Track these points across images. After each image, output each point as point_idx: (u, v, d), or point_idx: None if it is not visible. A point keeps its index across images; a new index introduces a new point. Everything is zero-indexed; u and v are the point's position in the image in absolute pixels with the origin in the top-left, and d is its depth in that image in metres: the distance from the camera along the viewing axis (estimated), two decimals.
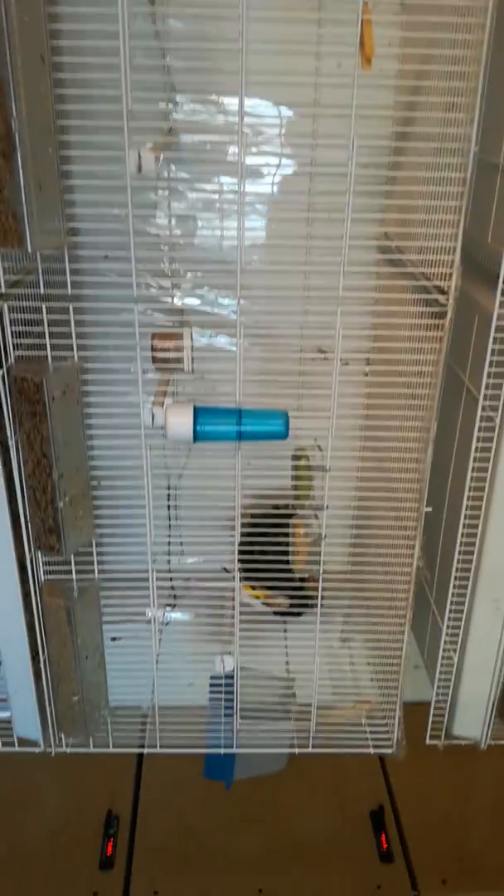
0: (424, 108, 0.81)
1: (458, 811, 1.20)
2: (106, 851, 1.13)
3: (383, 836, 1.15)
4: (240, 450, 0.82)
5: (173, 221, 1.01)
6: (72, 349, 0.78)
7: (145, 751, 0.97)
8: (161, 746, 0.98)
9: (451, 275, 0.73)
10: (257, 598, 1.11)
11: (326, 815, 1.19)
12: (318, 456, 0.85)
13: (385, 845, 1.14)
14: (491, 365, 0.78)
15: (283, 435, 0.77)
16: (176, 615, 1.23)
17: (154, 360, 0.78)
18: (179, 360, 0.77)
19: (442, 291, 0.75)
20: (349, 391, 0.82)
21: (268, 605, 1.13)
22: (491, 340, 0.77)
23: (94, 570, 0.89)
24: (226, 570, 0.97)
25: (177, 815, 1.19)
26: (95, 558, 0.88)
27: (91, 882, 1.08)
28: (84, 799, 1.21)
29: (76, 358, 0.77)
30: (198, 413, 0.76)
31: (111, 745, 0.98)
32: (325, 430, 0.81)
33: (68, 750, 0.97)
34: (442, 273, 0.75)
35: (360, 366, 0.99)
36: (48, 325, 0.77)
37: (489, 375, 0.78)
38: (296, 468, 0.86)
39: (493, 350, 0.78)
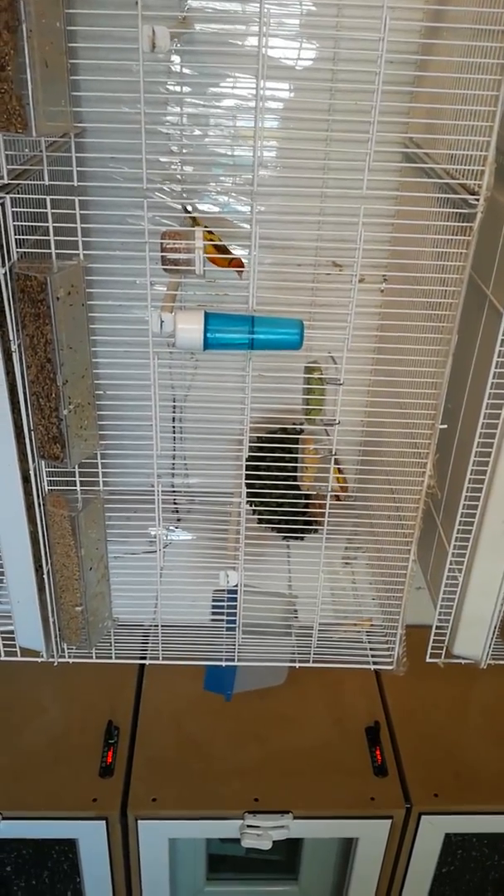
0: None
1: (453, 728, 1.23)
2: (106, 760, 1.15)
3: (378, 750, 1.18)
4: (251, 360, 0.79)
5: (185, 119, 0.96)
6: (77, 248, 0.74)
7: (147, 662, 0.97)
8: (163, 658, 0.98)
9: (482, 172, 0.69)
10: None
11: (323, 729, 1.21)
12: (332, 369, 0.82)
13: (379, 759, 1.17)
14: None
15: (298, 344, 0.74)
16: (179, 535, 1.23)
17: (164, 261, 0.74)
18: (190, 262, 0.73)
19: (471, 192, 0.71)
20: (366, 301, 0.79)
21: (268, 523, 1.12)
22: None
23: (98, 483, 0.87)
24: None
25: (176, 726, 1.21)
26: (101, 470, 0.86)
27: (91, 789, 1.11)
28: (85, 709, 1.23)
29: (82, 256, 0.73)
30: (209, 319, 0.72)
31: (113, 656, 0.98)
32: (339, 342, 0.78)
33: (71, 660, 0.98)
34: (472, 171, 0.71)
35: (378, 280, 0.95)
36: (53, 222, 0.72)
37: None
38: (308, 381, 0.84)
39: None
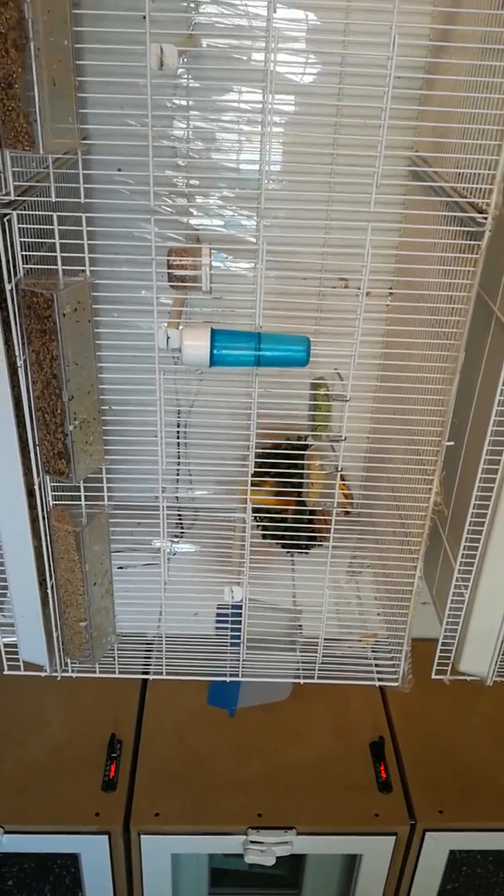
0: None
1: (457, 744, 1.22)
2: (109, 774, 1.15)
3: (382, 766, 1.17)
4: (257, 376, 0.78)
5: (191, 133, 0.96)
6: (83, 264, 0.74)
7: (150, 677, 0.97)
8: (167, 673, 0.97)
9: (490, 191, 0.69)
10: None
11: (327, 745, 1.21)
12: (338, 385, 0.81)
13: (384, 775, 1.16)
14: None
15: (305, 361, 0.74)
16: (183, 547, 1.22)
17: (170, 277, 0.74)
18: (196, 279, 0.73)
19: (480, 210, 0.71)
20: (372, 318, 0.78)
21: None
22: None
23: (103, 498, 0.87)
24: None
25: (179, 740, 1.20)
26: (105, 485, 0.85)
27: (94, 803, 1.10)
28: (88, 723, 1.22)
29: (88, 272, 0.73)
30: (215, 336, 0.72)
31: (117, 671, 0.98)
32: (345, 359, 0.78)
33: (74, 675, 0.97)
34: (480, 190, 0.71)
35: (384, 296, 0.95)
36: (59, 238, 0.72)
37: None
38: (314, 397, 0.83)
39: None
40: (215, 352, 0.72)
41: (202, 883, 1.29)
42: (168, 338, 0.73)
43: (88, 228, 0.72)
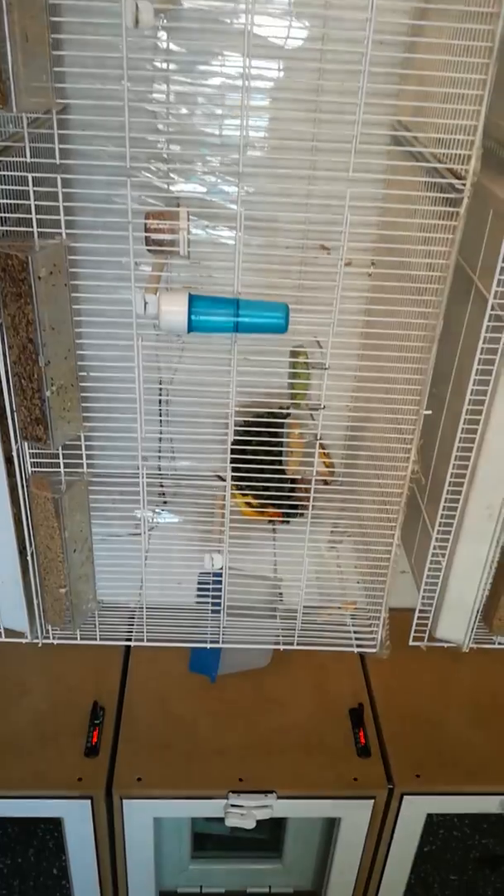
0: None
1: (435, 710, 1.24)
2: (91, 740, 1.16)
3: (361, 732, 1.19)
4: (236, 343, 0.78)
5: (172, 97, 0.94)
6: (60, 227, 0.73)
7: (132, 643, 0.98)
8: (148, 640, 0.98)
9: (469, 157, 0.68)
10: (245, 511, 1.10)
11: (307, 711, 1.22)
12: (317, 353, 0.81)
13: (363, 741, 1.18)
14: None
15: (283, 328, 0.73)
16: (165, 518, 1.23)
17: (147, 241, 0.74)
18: (174, 243, 0.72)
19: (458, 177, 0.71)
20: (353, 286, 0.78)
21: (258, 514, 1.13)
22: None
23: (82, 465, 0.87)
24: (220, 478, 0.95)
25: (162, 707, 1.21)
26: (84, 452, 0.85)
27: (76, 768, 1.11)
28: (71, 691, 1.23)
29: (64, 236, 0.72)
30: (193, 301, 0.72)
31: (98, 638, 0.98)
32: (325, 326, 0.78)
33: (55, 641, 0.98)
34: (460, 156, 0.70)
35: (365, 264, 0.95)
36: (36, 200, 0.72)
37: (502, 271, 0.74)
38: (293, 365, 0.83)
39: None
40: (193, 318, 0.72)
41: (185, 847, 1.32)
42: (146, 303, 0.72)
43: (66, 190, 0.71)
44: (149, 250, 0.74)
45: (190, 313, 0.71)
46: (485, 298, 0.79)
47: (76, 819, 1.13)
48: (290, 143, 0.86)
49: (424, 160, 0.79)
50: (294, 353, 0.83)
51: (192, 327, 0.72)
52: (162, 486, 1.37)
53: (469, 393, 0.82)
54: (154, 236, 0.73)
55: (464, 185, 0.70)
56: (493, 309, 0.77)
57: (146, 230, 0.73)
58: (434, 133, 0.76)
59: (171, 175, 0.91)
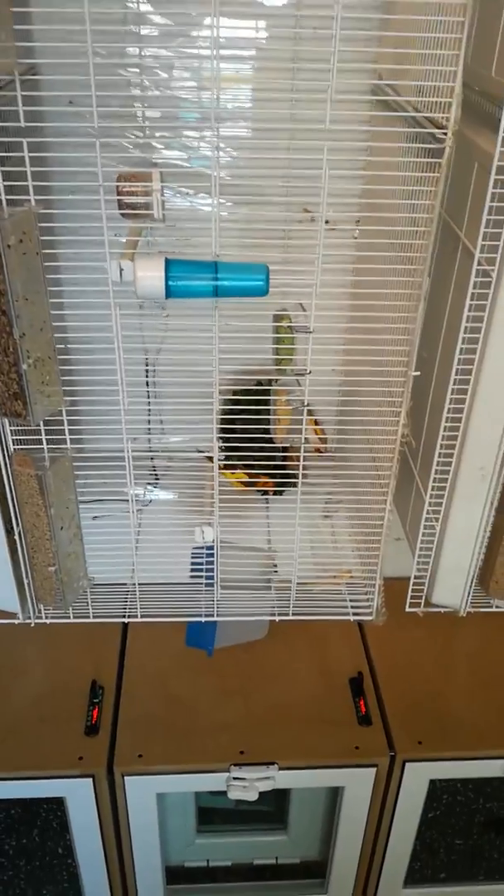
0: None
1: (435, 676, 1.23)
2: (91, 719, 1.16)
3: (362, 701, 1.19)
4: (217, 309, 0.76)
5: (145, 60, 0.91)
6: (29, 194, 0.70)
7: (126, 620, 0.97)
8: (142, 616, 0.97)
9: (450, 105, 0.66)
10: (236, 484, 1.09)
11: (307, 682, 1.22)
12: (302, 317, 0.79)
13: (363, 709, 1.18)
14: (490, 212, 0.72)
15: (264, 290, 0.71)
16: (157, 495, 1.21)
17: (120, 205, 0.71)
18: (148, 206, 0.70)
19: (439, 126, 0.68)
20: (336, 246, 0.76)
21: (249, 486, 1.11)
22: (491, 183, 0.70)
23: (66, 441, 0.85)
24: (209, 459, 0.93)
25: (161, 684, 1.21)
26: (66, 427, 0.84)
27: (77, 747, 1.11)
28: (69, 671, 1.23)
29: (33, 202, 0.69)
30: (170, 266, 0.69)
31: (92, 616, 0.97)
32: (308, 289, 0.76)
33: (48, 621, 0.97)
34: (441, 105, 0.67)
35: (350, 224, 0.92)
36: (4, 166, 0.69)
37: (487, 224, 0.72)
38: (277, 330, 0.81)
39: (492, 195, 0.71)
40: (171, 283, 0.69)
41: (190, 822, 1.32)
42: (121, 270, 0.70)
43: (35, 154, 0.69)
44: (122, 214, 0.72)
45: (167, 278, 0.69)
46: (471, 254, 0.76)
47: (78, 798, 1.13)
48: (267, 93, 0.83)
49: (405, 111, 0.76)
50: (277, 318, 0.81)
51: (169, 293, 0.70)
52: (153, 461, 1.35)
53: (458, 352, 0.80)
54: (127, 199, 0.70)
55: (445, 134, 0.67)
56: (479, 264, 0.75)
57: (118, 193, 0.70)
58: (414, 80, 0.74)
59: (148, 141, 0.88)
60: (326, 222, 0.74)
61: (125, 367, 0.83)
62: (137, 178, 0.70)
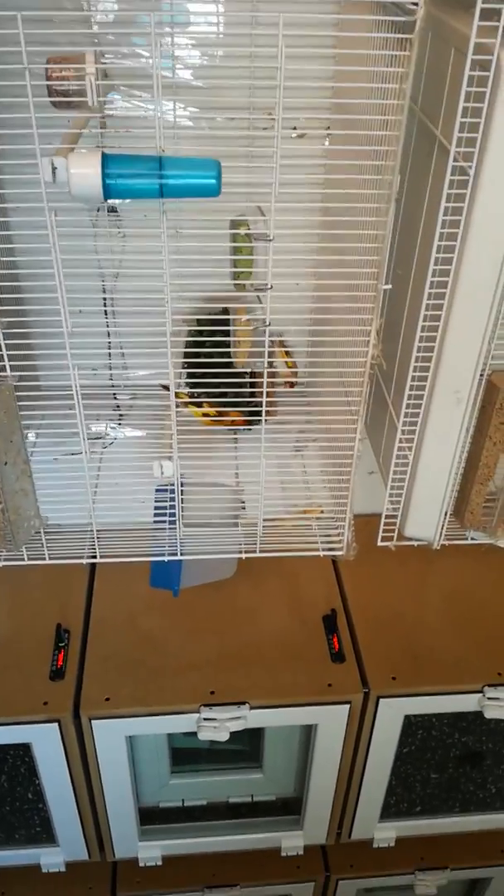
0: None
1: (409, 612, 1.20)
2: (56, 663, 1.12)
3: (335, 637, 1.16)
4: (165, 213, 0.68)
5: None
6: None
7: (84, 561, 0.91)
8: (101, 556, 0.92)
9: None
10: (204, 421, 1.03)
11: (279, 621, 1.18)
12: (262, 223, 0.72)
13: (336, 646, 1.15)
14: (468, 98, 0.64)
15: (215, 189, 0.64)
16: (119, 433, 1.16)
17: (51, 92, 0.63)
18: (82, 93, 0.61)
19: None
20: (306, 155, 0.68)
21: (217, 422, 1.05)
22: (468, 65, 0.63)
23: (6, 369, 0.78)
24: (164, 387, 0.87)
25: (130, 626, 1.17)
26: (5, 353, 0.76)
27: (41, 692, 1.07)
28: (34, 615, 1.18)
29: None
30: (107, 161, 0.61)
31: (47, 558, 0.92)
32: (267, 189, 0.68)
33: (0, 563, 0.91)
34: None
35: (317, 128, 0.84)
36: None
37: (464, 113, 0.65)
38: (234, 238, 0.74)
39: (470, 78, 0.63)
40: (109, 181, 0.62)
41: (163, 763, 1.30)
42: (54, 168, 0.62)
43: None
44: (52, 103, 0.63)
45: (104, 175, 0.61)
46: (447, 152, 0.69)
47: (45, 743, 1.09)
48: None
49: None
50: (235, 224, 0.73)
51: (108, 193, 0.62)
52: (116, 398, 1.29)
53: (433, 263, 0.73)
54: (57, 86, 0.62)
55: (416, 4, 0.59)
56: (455, 160, 0.67)
57: (48, 78, 0.62)
58: None
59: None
60: (293, 128, 0.66)
61: (79, 296, 0.76)
62: (70, 61, 0.61)
